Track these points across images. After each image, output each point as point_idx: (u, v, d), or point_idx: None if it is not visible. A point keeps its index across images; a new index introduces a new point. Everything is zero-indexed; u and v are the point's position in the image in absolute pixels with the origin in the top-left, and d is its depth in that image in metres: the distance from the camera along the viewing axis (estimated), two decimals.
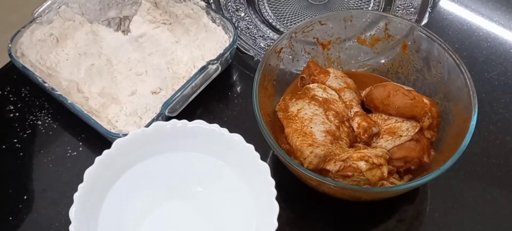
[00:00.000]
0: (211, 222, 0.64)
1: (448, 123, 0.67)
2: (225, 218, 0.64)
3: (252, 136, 0.65)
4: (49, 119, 0.77)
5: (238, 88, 0.80)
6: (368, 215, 0.69)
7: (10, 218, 0.69)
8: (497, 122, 0.75)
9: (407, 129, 0.65)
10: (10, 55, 0.76)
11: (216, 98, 0.79)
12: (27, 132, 0.76)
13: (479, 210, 0.69)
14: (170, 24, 0.83)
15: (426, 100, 0.66)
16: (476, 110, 0.63)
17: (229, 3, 0.89)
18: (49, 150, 0.74)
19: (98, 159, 0.62)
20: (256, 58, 0.81)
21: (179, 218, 0.64)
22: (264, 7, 0.90)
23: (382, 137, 0.66)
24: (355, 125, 0.66)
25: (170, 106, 0.71)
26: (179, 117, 0.66)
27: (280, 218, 0.58)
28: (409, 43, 0.73)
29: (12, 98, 0.79)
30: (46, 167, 0.73)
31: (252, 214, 0.62)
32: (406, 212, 0.69)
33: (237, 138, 0.64)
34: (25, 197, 0.70)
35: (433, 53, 0.70)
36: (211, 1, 0.87)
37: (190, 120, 0.65)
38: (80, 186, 0.61)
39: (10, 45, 0.77)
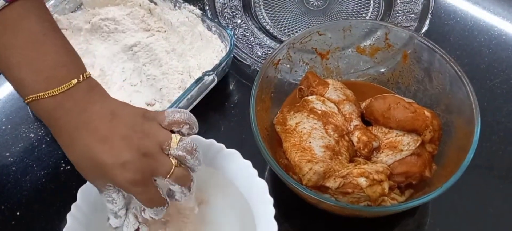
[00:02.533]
0: None
1: (450, 136, 0.66)
2: None
3: (250, 148, 0.64)
4: (42, 132, 0.75)
5: (235, 98, 0.79)
6: (368, 230, 0.67)
7: None
8: (499, 132, 0.74)
9: (408, 143, 0.64)
10: None
11: (212, 108, 0.77)
12: (20, 144, 0.74)
13: (481, 224, 0.67)
14: (165, 32, 0.82)
15: (427, 113, 0.65)
16: (479, 125, 0.61)
17: (225, 10, 0.87)
18: (42, 163, 0.72)
19: None
20: (253, 67, 0.79)
21: None
22: (261, 13, 0.88)
23: (382, 151, 0.64)
24: (355, 139, 0.65)
25: None
26: None
27: None
28: (410, 52, 0.71)
29: (4, 110, 0.77)
30: (39, 181, 0.71)
31: None
32: (407, 226, 0.68)
33: (234, 154, 0.62)
34: (18, 213, 0.68)
35: (434, 63, 0.68)
36: (207, 8, 0.85)
37: None
38: (73, 205, 0.60)
39: None
